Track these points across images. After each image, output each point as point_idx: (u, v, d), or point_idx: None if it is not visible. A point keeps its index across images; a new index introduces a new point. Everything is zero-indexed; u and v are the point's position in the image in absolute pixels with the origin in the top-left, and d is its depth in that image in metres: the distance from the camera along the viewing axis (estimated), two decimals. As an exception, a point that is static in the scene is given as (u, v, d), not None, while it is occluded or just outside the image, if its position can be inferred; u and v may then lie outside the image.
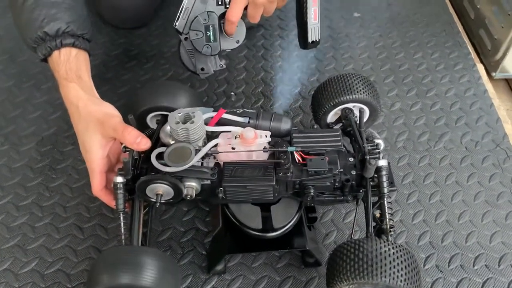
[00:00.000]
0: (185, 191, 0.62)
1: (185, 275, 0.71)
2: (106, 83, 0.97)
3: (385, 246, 0.56)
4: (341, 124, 0.76)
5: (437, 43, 1.06)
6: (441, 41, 1.06)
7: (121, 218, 0.63)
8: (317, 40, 0.81)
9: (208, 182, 0.63)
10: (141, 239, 0.63)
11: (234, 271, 0.71)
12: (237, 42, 0.75)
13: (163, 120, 0.72)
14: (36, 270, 0.71)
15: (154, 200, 0.62)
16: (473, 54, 1.05)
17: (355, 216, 0.67)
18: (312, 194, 0.63)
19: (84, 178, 0.82)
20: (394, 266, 0.55)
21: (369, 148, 0.65)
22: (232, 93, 0.95)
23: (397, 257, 0.56)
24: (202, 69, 0.76)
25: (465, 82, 0.97)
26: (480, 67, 1.01)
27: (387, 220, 0.63)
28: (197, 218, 0.77)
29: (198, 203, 0.79)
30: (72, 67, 0.68)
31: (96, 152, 0.65)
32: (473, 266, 0.72)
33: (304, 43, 0.82)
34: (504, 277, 0.71)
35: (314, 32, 0.80)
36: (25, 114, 0.92)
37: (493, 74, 1.10)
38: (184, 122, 0.62)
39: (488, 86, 0.97)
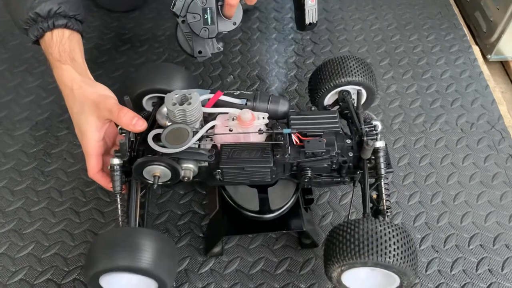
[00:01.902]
0: (182, 173, 0.62)
1: (183, 258, 0.71)
2: (100, 67, 0.96)
3: (372, 224, 0.55)
4: (338, 106, 0.76)
5: (432, 25, 1.05)
6: (436, 24, 1.06)
7: (118, 200, 0.63)
8: (314, 22, 0.81)
9: (206, 164, 0.63)
10: (138, 221, 0.63)
11: (231, 253, 0.72)
12: (234, 24, 0.74)
13: (159, 102, 0.71)
14: (33, 254, 0.71)
15: (151, 182, 0.62)
16: (469, 36, 1.04)
17: (351, 198, 0.67)
18: (309, 175, 0.63)
19: (80, 162, 0.81)
20: (381, 243, 0.53)
21: (367, 129, 0.65)
22: (231, 75, 0.95)
23: (385, 234, 0.54)
24: (200, 52, 0.75)
25: (460, 64, 0.97)
26: (476, 49, 1.01)
27: (384, 201, 0.63)
28: (194, 201, 0.77)
29: (195, 186, 0.79)
30: (65, 49, 0.67)
31: (91, 135, 0.64)
32: (468, 246, 0.73)
33: (301, 25, 0.82)
34: (499, 256, 0.72)
35: (311, 14, 0.80)
36: (18, 99, 0.91)
37: (488, 56, 1.10)
38: (181, 104, 0.61)
39: (484, 68, 0.97)
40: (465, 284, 0.69)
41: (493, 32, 1.07)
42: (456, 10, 1.10)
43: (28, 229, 0.74)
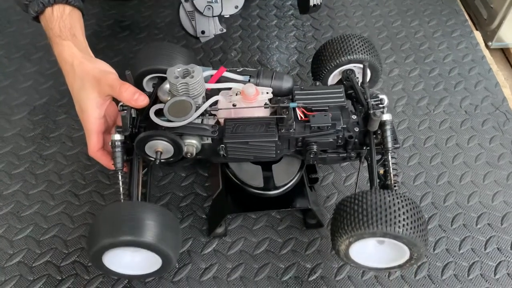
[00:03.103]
0: (185, 149, 0.60)
1: (185, 239, 0.69)
2: (99, 52, 0.94)
3: (381, 195, 0.54)
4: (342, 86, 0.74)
5: (433, 12, 1.05)
6: (437, 10, 1.05)
7: (119, 177, 0.61)
8: (319, 3, 0.80)
9: (209, 141, 0.62)
10: (140, 198, 0.61)
11: (235, 234, 0.70)
12: (236, 7, 0.73)
13: (160, 82, 0.70)
14: (31, 237, 0.69)
15: (154, 159, 0.60)
16: (470, 23, 1.04)
17: (358, 174, 0.66)
18: (315, 150, 0.61)
19: (79, 146, 0.80)
20: (390, 213, 0.52)
21: (373, 103, 0.64)
22: (235, 50, 0.94)
23: (394, 204, 0.52)
24: (203, 32, 0.75)
25: (463, 49, 0.97)
26: (477, 34, 1.01)
27: (391, 175, 0.62)
28: (196, 183, 0.76)
29: (197, 168, 0.77)
30: (66, 25, 0.66)
31: (92, 112, 0.63)
32: (476, 225, 0.72)
33: (304, 7, 0.81)
34: (507, 235, 0.70)
35: (316, -5, 0.79)
36: (16, 84, 0.89)
37: (489, 43, 1.09)
38: (184, 77, 0.60)
39: (486, 52, 0.97)
40: (473, 262, 0.68)
41: (494, 19, 1.07)
42: (456, -3, 1.10)
43: (26, 212, 0.72)
